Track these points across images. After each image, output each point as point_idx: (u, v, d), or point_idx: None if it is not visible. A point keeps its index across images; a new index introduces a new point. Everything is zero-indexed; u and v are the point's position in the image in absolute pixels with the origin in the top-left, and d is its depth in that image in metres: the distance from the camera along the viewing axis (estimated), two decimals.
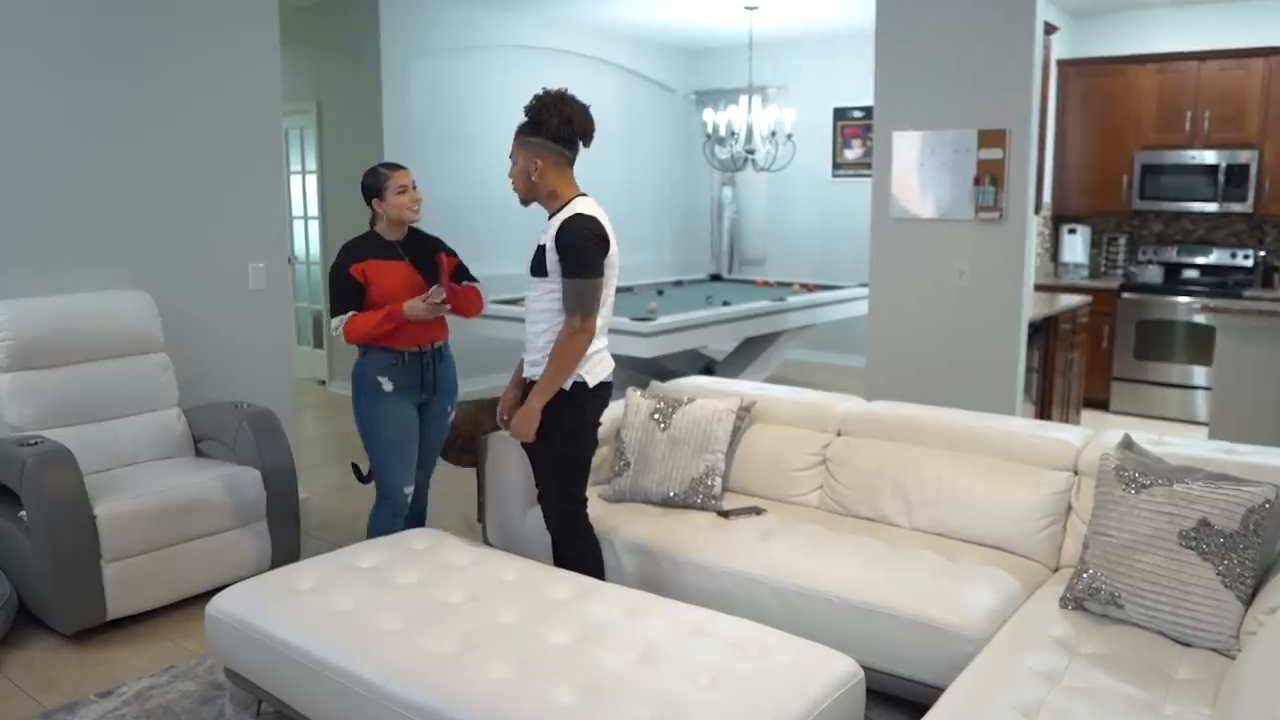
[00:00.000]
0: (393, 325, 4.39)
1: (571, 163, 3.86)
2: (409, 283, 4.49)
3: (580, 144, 3.84)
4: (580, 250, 3.67)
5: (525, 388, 3.95)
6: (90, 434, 4.87)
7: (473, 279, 4.80)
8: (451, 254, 4.74)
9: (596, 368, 3.85)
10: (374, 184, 4.50)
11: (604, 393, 3.91)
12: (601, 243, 3.71)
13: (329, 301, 4.53)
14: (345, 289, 4.45)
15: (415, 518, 4.85)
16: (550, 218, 3.82)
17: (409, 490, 4.60)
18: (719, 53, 11.74)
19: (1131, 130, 8.75)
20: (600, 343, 3.88)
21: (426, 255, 4.61)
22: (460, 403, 5.49)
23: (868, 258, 6.60)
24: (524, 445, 3.95)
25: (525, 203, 3.96)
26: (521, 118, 3.83)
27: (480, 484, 5.49)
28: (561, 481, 3.93)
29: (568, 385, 3.79)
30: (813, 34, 10.78)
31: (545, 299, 3.83)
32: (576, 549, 3.97)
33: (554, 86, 3.85)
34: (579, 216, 3.71)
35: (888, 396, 5.72)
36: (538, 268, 3.82)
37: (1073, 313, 7.60)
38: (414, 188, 4.53)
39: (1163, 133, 8.60)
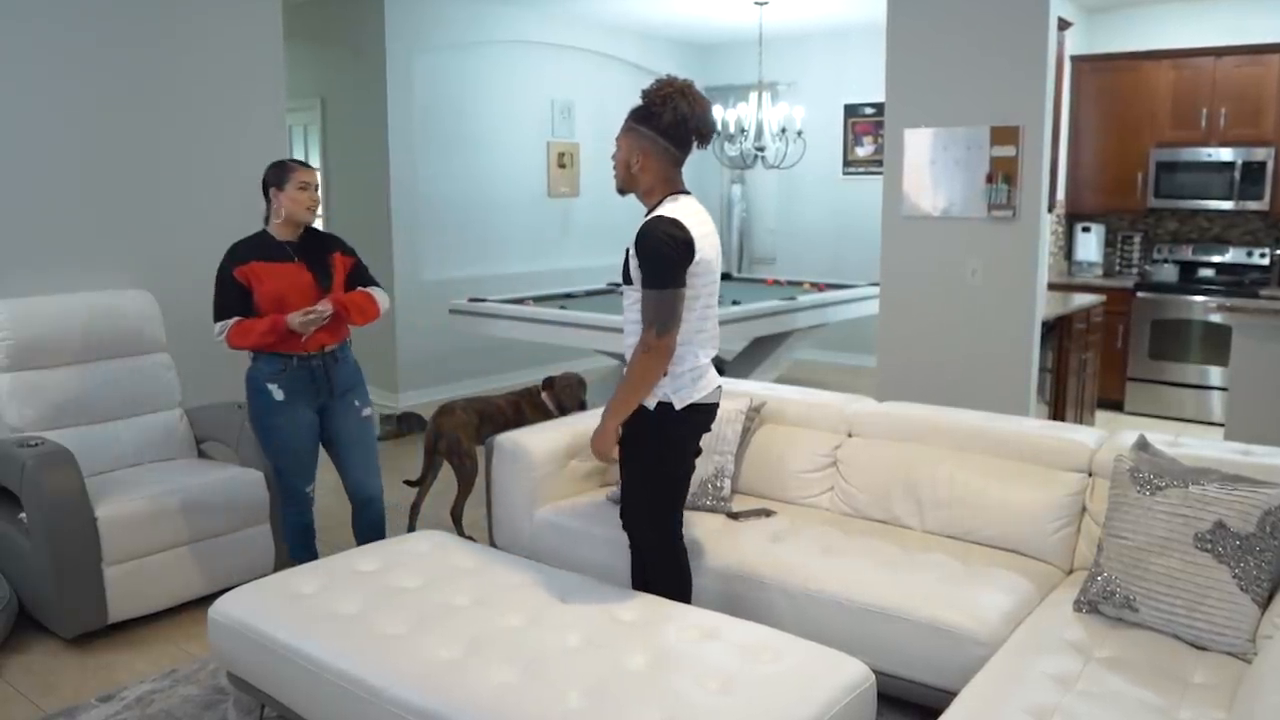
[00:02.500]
0: (276, 336, 4.33)
1: (679, 162, 3.55)
2: (297, 286, 4.40)
3: (695, 144, 3.55)
4: (654, 257, 3.36)
5: None
6: (91, 435, 4.85)
7: (373, 281, 4.71)
8: (349, 254, 4.65)
9: (688, 388, 3.51)
10: (276, 174, 4.41)
11: (697, 416, 3.59)
12: (682, 247, 3.36)
13: (213, 305, 4.42)
14: (228, 293, 4.36)
15: (375, 528, 4.80)
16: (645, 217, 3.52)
17: (310, 489, 4.61)
18: (728, 48, 11.70)
19: (1146, 127, 8.68)
20: (700, 359, 3.55)
21: (320, 256, 4.52)
22: (451, 403, 5.47)
23: (879, 256, 6.55)
24: (620, 460, 3.69)
25: (621, 192, 3.65)
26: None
27: (462, 482, 5.49)
28: (645, 506, 3.69)
29: (651, 404, 3.50)
30: (823, 29, 10.74)
31: (634, 309, 3.52)
32: (671, 575, 3.73)
33: (678, 75, 3.58)
34: (659, 220, 3.40)
35: (899, 397, 5.66)
36: (626, 274, 3.53)
37: (1086, 312, 7.54)
38: (315, 189, 4.43)
39: (1178, 130, 8.53)
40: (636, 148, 3.51)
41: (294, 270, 4.41)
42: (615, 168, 3.61)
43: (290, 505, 4.63)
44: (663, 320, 3.36)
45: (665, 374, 3.48)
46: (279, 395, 4.42)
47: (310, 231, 4.54)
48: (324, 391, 4.54)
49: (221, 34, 5.62)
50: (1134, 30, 8.94)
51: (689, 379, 3.52)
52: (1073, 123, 9.01)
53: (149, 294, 5.23)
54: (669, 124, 3.45)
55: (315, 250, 4.52)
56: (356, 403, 4.70)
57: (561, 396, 5.83)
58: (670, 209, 3.45)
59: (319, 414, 4.60)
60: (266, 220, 4.49)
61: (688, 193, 3.58)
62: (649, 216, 3.46)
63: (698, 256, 3.42)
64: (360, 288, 4.63)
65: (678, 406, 3.51)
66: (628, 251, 3.50)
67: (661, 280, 3.36)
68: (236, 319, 4.34)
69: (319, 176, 4.48)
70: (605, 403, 3.59)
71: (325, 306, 4.36)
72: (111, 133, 5.23)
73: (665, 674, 2.90)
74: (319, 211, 4.49)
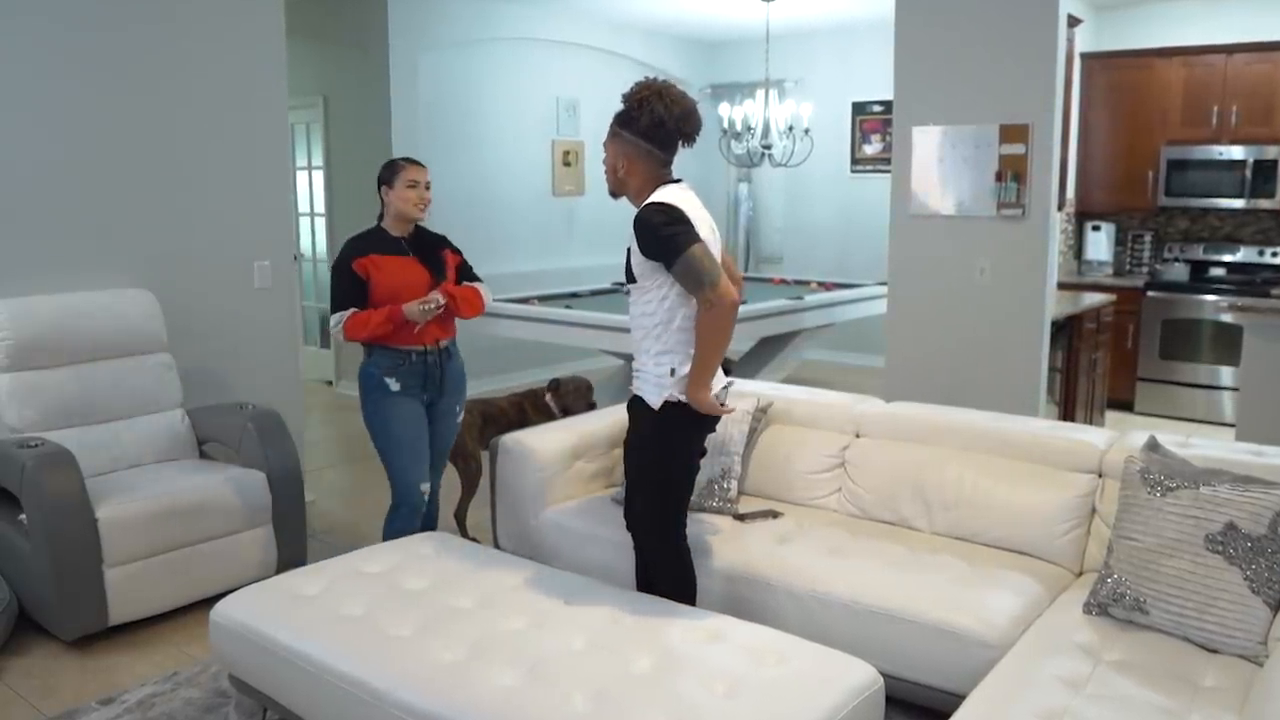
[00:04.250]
0: (393, 326, 4.35)
1: (666, 163, 3.55)
2: (414, 280, 4.45)
3: (680, 144, 3.55)
4: (656, 232, 3.36)
5: (631, 407, 3.65)
6: (92, 436, 4.82)
7: (476, 278, 4.76)
8: (456, 251, 4.72)
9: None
10: (387, 173, 4.49)
11: (703, 417, 3.56)
12: (673, 211, 3.38)
13: (331, 297, 4.47)
14: (347, 285, 4.40)
15: (428, 523, 4.78)
16: None
17: (425, 488, 4.57)
18: (735, 45, 11.67)
19: (1157, 125, 8.64)
20: None
21: (432, 252, 4.58)
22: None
23: (886, 255, 6.52)
24: (624, 459, 3.71)
25: (614, 195, 3.66)
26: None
27: (466, 483, 5.50)
28: (648, 507, 3.69)
29: (657, 404, 3.49)
30: (831, 26, 10.71)
31: (640, 304, 3.55)
32: (674, 576, 3.70)
33: (683, 73, 3.58)
34: (647, 206, 3.43)
35: (907, 397, 5.63)
36: (629, 272, 3.55)
37: (1096, 311, 7.50)
38: (425, 187, 4.49)
39: (1189, 128, 8.49)
40: (621, 152, 3.53)
41: (409, 264, 4.48)
42: (605, 173, 3.62)
43: (404, 505, 4.54)
44: (706, 275, 3.33)
45: (672, 373, 3.47)
46: (395, 386, 4.45)
47: (420, 229, 4.61)
48: (434, 387, 4.58)
49: (222, 31, 5.59)
50: (1144, 27, 8.90)
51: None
52: (1082, 121, 8.97)
53: (149, 293, 5.20)
54: (647, 127, 3.47)
55: (427, 246, 4.59)
56: (457, 408, 4.78)
57: (567, 400, 5.81)
58: (657, 196, 3.46)
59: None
60: (380, 218, 4.56)
61: (677, 181, 3.57)
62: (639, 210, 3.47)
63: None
64: (466, 283, 4.71)
65: (686, 401, 3.49)
66: (629, 251, 3.50)
67: (677, 245, 3.34)
68: (353, 310, 4.37)
69: (424, 175, 4.52)
70: (612, 404, 3.57)
71: (439, 296, 4.40)
72: (111, 131, 5.20)
73: (671, 677, 2.87)
74: (428, 210, 4.57)
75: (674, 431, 3.55)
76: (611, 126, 3.56)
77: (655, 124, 3.46)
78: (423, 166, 4.54)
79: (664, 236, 3.35)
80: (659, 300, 3.47)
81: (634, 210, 3.53)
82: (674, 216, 3.38)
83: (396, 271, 4.43)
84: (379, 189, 4.52)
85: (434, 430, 4.67)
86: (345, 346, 9.13)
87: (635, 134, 3.48)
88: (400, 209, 4.47)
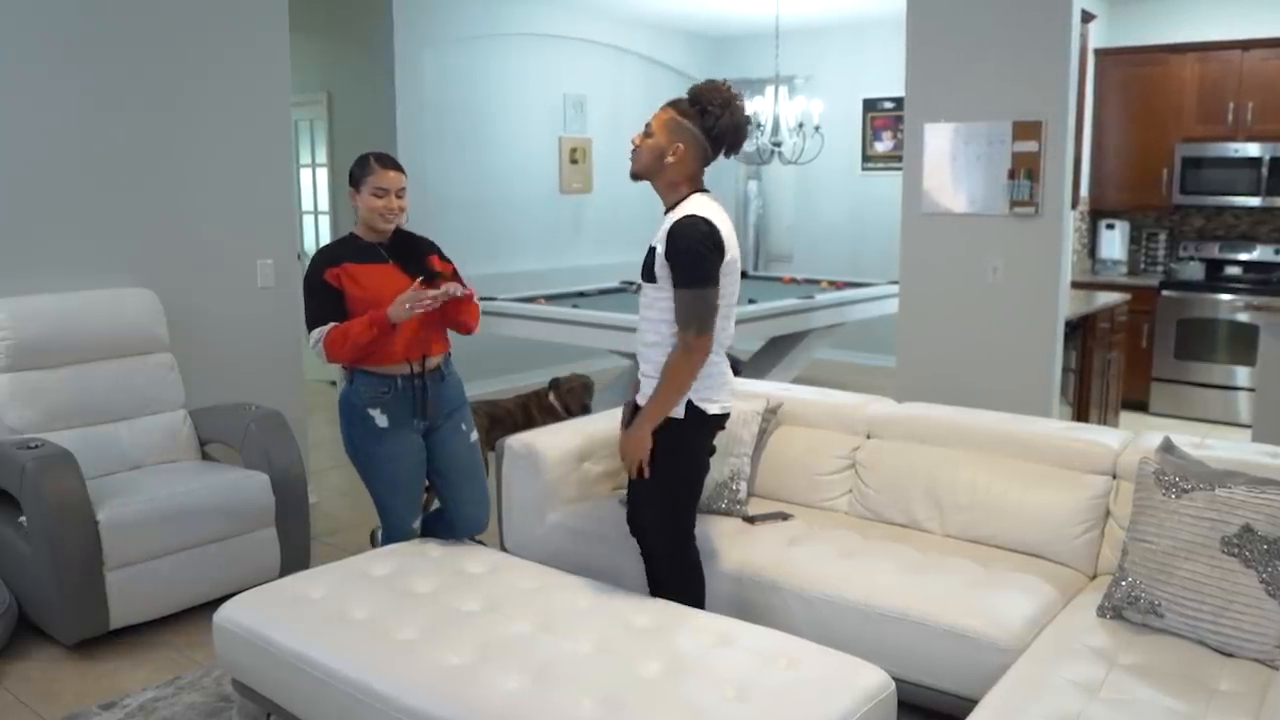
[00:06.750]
0: (378, 331, 3.90)
1: (708, 163, 3.53)
2: (396, 290, 3.95)
3: (724, 154, 3.55)
4: (692, 256, 3.32)
5: (633, 411, 3.61)
6: (93, 437, 4.80)
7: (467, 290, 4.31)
8: (446, 261, 4.32)
9: (718, 392, 3.52)
10: (356, 172, 4.07)
11: (721, 423, 3.60)
12: (717, 249, 3.35)
13: (305, 317, 4.06)
14: (321, 297, 3.99)
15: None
16: (665, 212, 3.48)
17: (417, 525, 4.32)
18: (744, 41, 11.65)
19: (1172, 122, 8.58)
20: (719, 364, 3.54)
21: (415, 258, 4.17)
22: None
23: (898, 254, 6.48)
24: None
25: (637, 177, 3.56)
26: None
27: None
28: (659, 511, 3.67)
29: (680, 412, 3.46)
30: (841, 22, 10.70)
31: (656, 306, 3.47)
32: (682, 579, 3.68)
33: (690, 69, 3.55)
34: (692, 219, 3.35)
35: (919, 398, 5.59)
36: (648, 271, 3.47)
37: (1111, 311, 7.45)
38: (396, 195, 4.04)
39: (1204, 124, 8.43)
40: (680, 140, 3.45)
41: (389, 272, 4.04)
42: (639, 150, 3.53)
43: (395, 538, 4.25)
44: (701, 319, 3.35)
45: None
46: (383, 422, 4.06)
47: (400, 233, 4.19)
48: (429, 413, 4.18)
49: (225, 26, 5.57)
50: (1158, 23, 8.86)
51: (718, 382, 3.53)
52: (1096, 117, 8.94)
53: (151, 293, 5.18)
54: (723, 128, 3.45)
55: (409, 251, 4.17)
56: (464, 426, 4.37)
57: (566, 399, 5.81)
58: (698, 207, 3.41)
59: (424, 438, 4.26)
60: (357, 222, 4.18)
61: (707, 190, 3.54)
62: (680, 216, 3.40)
63: (727, 255, 3.41)
64: None
65: (709, 412, 3.50)
66: (652, 250, 3.46)
67: (699, 279, 3.34)
68: (333, 325, 3.95)
69: (395, 180, 4.06)
70: (620, 404, 3.54)
71: (419, 292, 3.88)
72: (112, 128, 5.18)
73: (680, 681, 2.86)
74: (404, 219, 4.12)
75: (683, 438, 3.53)
76: (674, 113, 3.48)
77: (733, 128, 3.46)
78: (398, 171, 4.08)
79: (698, 266, 3.35)
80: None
81: (647, 206, 3.49)
82: (716, 243, 3.36)
83: (374, 282, 4.00)
84: (350, 189, 4.11)
85: (449, 456, 4.32)
86: None
87: (702, 129, 3.44)
88: (365, 218, 4.05)
